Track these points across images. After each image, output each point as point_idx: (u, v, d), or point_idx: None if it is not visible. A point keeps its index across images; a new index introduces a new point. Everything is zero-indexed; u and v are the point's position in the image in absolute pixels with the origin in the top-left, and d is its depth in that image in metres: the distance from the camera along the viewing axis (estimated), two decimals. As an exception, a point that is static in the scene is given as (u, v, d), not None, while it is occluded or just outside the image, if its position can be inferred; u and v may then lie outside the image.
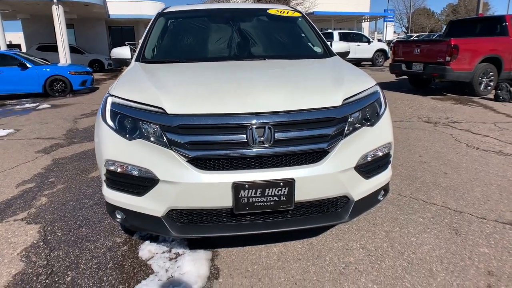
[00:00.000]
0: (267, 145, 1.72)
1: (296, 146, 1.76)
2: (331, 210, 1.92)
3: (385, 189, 2.16)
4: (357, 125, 1.93)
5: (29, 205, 2.90)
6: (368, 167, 1.96)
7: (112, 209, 1.93)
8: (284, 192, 1.72)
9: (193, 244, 2.25)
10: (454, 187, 3.06)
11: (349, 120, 1.88)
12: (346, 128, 1.86)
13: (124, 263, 2.09)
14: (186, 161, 1.72)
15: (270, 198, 1.72)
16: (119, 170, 1.83)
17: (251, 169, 1.73)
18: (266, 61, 2.62)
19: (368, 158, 1.95)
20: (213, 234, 1.80)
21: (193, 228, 1.81)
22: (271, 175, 1.71)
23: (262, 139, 1.71)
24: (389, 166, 2.15)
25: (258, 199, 1.72)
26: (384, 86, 9.58)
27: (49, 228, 2.52)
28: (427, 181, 3.21)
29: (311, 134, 1.78)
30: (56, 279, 1.96)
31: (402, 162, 3.72)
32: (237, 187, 1.68)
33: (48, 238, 2.39)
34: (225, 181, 1.68)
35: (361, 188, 1.93)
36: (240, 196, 1.70)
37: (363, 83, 2.11)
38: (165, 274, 1.97)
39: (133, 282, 1.92)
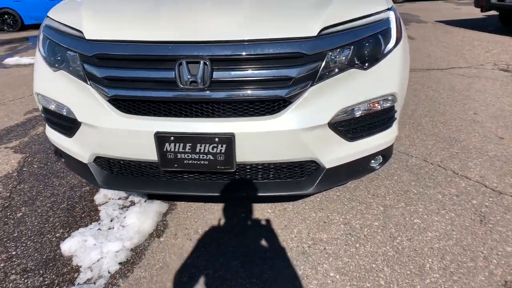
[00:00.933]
0: (202, 87, 1.29)
1: (242, 91, 1.30)
2: (294, 177, 1.49)
3: (384, 154, 1.63)
4: (342, 66, 1.37)
5: (25, 134, 2.92)
6: (354, 125, 1.43)
7: (55, 149, 1.74)
8: (220, 150, 1.32)
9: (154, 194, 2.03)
10: (505, 158, 2.33)
11: (328, 58, 1.33)
12: (321, 70, 1.32)
13: (76, 206, 1.96)
14: (106, 101, 1.39)
15: (203, 156, 1.34)
16: (49, 106, 1.58)
17: (180, 117, 1.34)
18: None
19: (356, 113, 1.41)
20: (141, 190, 1.51)
21: (122, 180, 1.54)
22: (204, 127, 1.31)
23: (195, 78, 1.28)
24: (394, 125, 1.58)
25: (188, 156, 1.35)
26: (465, 24, 7.86)
27: (29, 159, 2.49)
28: (470, 147, 2.50)
29: (264, 75, 1.29)
30: (8, 213, 1.91)
31: (447, 119, 2.96)
32: (160, 139, 1.33)
33: (24, 169, 2.36)
34: (147, 130, 1.33)
35: (339, 152, 1.44)
36: (165, 150, 1.34)
37: (364, 5, 1.47)
38: (108, 223, 1.80)
39: (73, 228, 1.78)
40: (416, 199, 1.95)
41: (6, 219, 1.87)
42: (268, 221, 1.80)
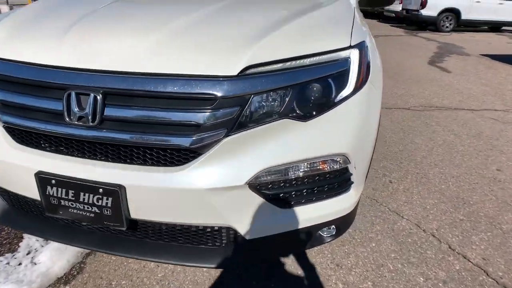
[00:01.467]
0: (91, 124, 1.05)
1: (138, 134, 1.04)
2: (207, 244, 1.19)
3: (338, 225, 1.28)
4: (273, 115, 1.07)
5: None
6: (288, 188, 1.12)
7: None
8: (106, 203, 1.07)
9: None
10: (523, 236, 1.85)
11: (253, 103, 1.04)
12: (240, 117, 1.04)
13: (5, 229, 1.79)
14: (2, 127, 1.20)
15: (87, 208, 1.10)
16: None
17: (66, 155, 1.11)
18: None
19: (291, 175, 1.10)
20: (32, 233, 1.30)
21: (20, 218, 1.33)
22: (88, 173, 1.07)
23: (83, 113, 1.05)
24: (351, 190, 1.24)
25: (72, 204, 1.11)
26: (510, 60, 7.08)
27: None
28: (480, 214, 2.04)
29: (166, 118, 1.03)
30: None
31: (461, 173, 2.50)
32: (42, 180, 1.10)
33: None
34: (29, 167, 1.12)
35: (266, 220, 1.13)
36: (48, 193, 1.12)
37: (316, 40, 1.16)
38: (21, 257, 1.60)
39: (-15, 257, 1.60)
40: (389, 279, 1.56)
41: None
42: (196, 284, 1.50)
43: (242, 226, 1.11)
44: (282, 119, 1.07)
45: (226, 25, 1.19)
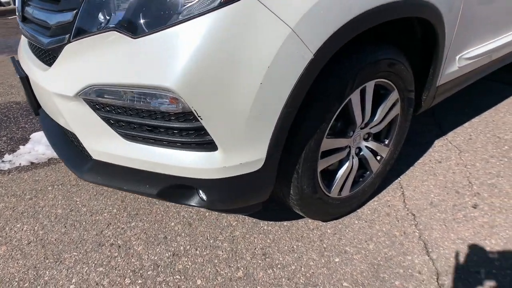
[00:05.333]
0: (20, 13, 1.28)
1: (33, 31, 1.17)
2: (77, 149, 1.23)
3: (208, 193, 1.06)
4: (103, 24, 0.94)
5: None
6: (126, 117, 1.00)
7: None
8: (24, 87, 1.29)
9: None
10: None
11: (84, 7, 0.96)
12: (75, 23, 0.97)
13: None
14: None
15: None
16: None
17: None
18: None
19: (126, 101, 0.96)
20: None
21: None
22: (23, 59, 1.30)
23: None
24: (215, 153, 0.98)
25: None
26: None
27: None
28: None
29: (39, 17, 1.13)
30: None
31: None
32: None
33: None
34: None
35: (110, 145, 1.06)
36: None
37: None
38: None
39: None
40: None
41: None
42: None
43: (86, 143, 1.08)
44: (110, 31, 0.90)
45: None
